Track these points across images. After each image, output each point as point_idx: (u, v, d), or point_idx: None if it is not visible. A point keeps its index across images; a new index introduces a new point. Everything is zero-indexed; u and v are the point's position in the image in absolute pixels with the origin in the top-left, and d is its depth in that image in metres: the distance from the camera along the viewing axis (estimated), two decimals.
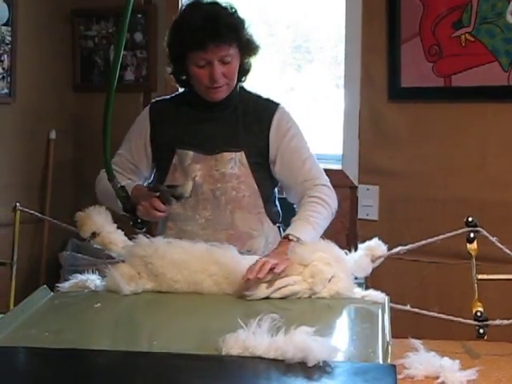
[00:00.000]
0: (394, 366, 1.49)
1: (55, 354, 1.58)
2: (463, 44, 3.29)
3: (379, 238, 2.18)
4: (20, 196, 3.59)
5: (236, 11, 2.38)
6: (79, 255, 3.91)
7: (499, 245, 2.02)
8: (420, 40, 3.37)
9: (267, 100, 2.49)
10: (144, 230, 2.33)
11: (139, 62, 4.06)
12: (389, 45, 3.44)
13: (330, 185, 2.41)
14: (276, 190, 2.54)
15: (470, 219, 2.03)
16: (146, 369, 1.48)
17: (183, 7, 2.41)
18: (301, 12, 3.88)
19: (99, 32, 4.15)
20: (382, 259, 2.15)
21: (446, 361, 1.77)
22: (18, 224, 2.51)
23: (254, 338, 1.54)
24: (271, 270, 2.00)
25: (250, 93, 2.50)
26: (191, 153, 2.39)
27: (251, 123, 2.41)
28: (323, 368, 1.45)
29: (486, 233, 2.02)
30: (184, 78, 2.44)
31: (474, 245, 2.01)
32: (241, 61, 2.39)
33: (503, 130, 3.29)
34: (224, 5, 2.36)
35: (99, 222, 2.26)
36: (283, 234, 2.26)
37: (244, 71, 2.44)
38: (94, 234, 2.26)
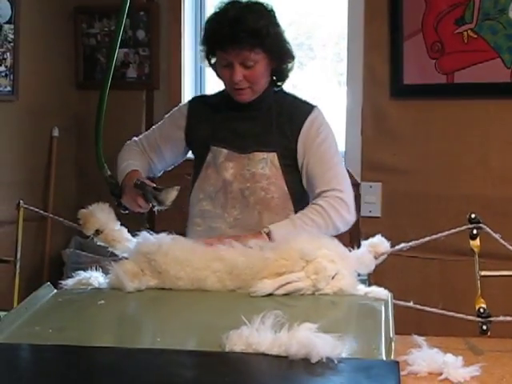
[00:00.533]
0: (397, 363, 1.49)
1: (59, 351, 1.58)
2: (466, 41, 3.30)
3: (382, 235, 2.18)
4: (23, 194, 3.59)
5: (268, 15, 2.34)
6: (82, 253, 3.91)
7: (502, 241, 2.02)
8: (422, 37, 3.37)
9: (303, 102, 2.46)
10: (127, 212, 2.40)
11: (142, 59, 4.07)
12: (391, 42, 3.44)
13: (344, 197, 2.31)
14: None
15: (472, 216, 2.03)
16: (149, 365, 1.48)
17: (221, 3, 2.37)
18: (303, 9, 3.88)
19: (102, 29, 4.15)
20: (385, 256, 2.15)
21: (449, 357, 1.77)
22: (21, 221, 2.51)
23: (257, 335, 1.54)
24: None
25: (286, 94, 2.48)
26: (225, 151, 2.40)
27: (284, 124, 2.39)
28: (326, 364, 1.45)
29: (488, 229, 2.02)
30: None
31: (477, 241, 2.01)
32: (273, 65, 2.37)
33: (506, 126, 3.29)
34: (258, 7, 2.33)
35: (103, 219, 2.26)
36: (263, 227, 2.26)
37: (279, 76, 2.43)
38: (97, 232, 2.26)
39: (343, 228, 2.32)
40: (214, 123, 2.45)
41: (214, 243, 2.11)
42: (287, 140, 2.38)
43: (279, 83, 2.46)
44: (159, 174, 2.62)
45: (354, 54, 3.57)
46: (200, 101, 2.55)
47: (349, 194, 2.33)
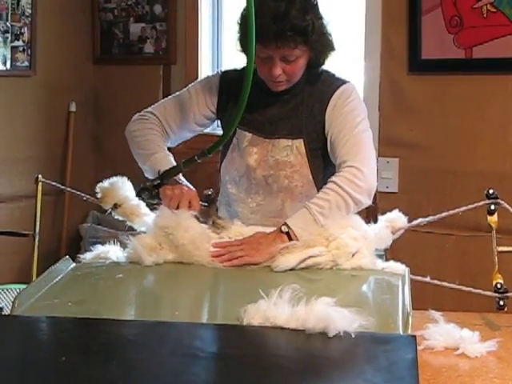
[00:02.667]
0: (414, 337, 1.49)
1: (78, 324, 1.59)
2: (484, 15, 3.27)
3: (399, 210, 2.18)
4: (41, 169, 3.61)
5: (312, 7, 2.22)
6: (100, 227, 3.94)
7: None
8: (441, 11, 3.34)
9: (335, 78, 2.34)
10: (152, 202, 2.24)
11: (159, 34, 4.06)
12: (409, 16, 3.42)
13: (360, 166, 2.14)
14: None
15: (490, 191, 2.02)
16: (168, 338, 1.49)
17: None
18: None
19: (118, 4, 4.15)
20: (402, 231, 2.15)
21: (466, 332, 1.77)
22: (40, 196, 2.53)
23: (275, 309, 1.55)
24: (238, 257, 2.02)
25: (321, 72, 2.36)
26: (250, 134, 2.33)
27: (313, 104, 2.30)
28: (344, 338, 1.46)
29: (506, 205, 2.01)
30: None
31: (495, 217, 2.01)
32: (311, 56, 2.26)
33: None
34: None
35: (121, 193, 2.27)
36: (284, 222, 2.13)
37: (315, 65, 2.32)
38: (115, 206, 2.26)
39: (364, 199, 2.14)
40: None
41: (221, 250, 2.06)
42: (315, 120, 2.29)
43: (314, 70, 2.34)
44: (174, 145, 2.50)
45: (371, 29, 3.54)
46: (230, 76, 2.41)
47: (367, 163, 2.18)
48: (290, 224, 2.09)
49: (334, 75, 2.37)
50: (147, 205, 2.26)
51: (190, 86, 2.47)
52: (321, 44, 2.26)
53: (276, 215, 2.30)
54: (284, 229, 2.08)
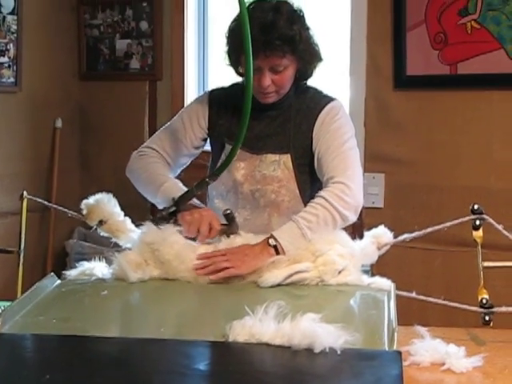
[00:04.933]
0: (399, 353, 1.50)
1: (63, 341, 1.59)
2: (469, 31, 3.29)
3: (385, 226, 2.18)
4: (26, 185, 3.60)
5: (299, 18, 2.26)
6: (86, 243, 3.93)
7: (505, 232, 2.02)
8: (425, 28, 3.36)
9: (323, 95, 2.38)
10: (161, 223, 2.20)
11: (145, 50, 4.07)
12: (394, 33, 3.44)
13: (348, 182, 2.16)
14: None
15: (475, 206, 2.03)
16: (153, 355, 1.48)
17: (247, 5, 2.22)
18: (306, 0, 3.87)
19: (104, 20, 4.15)
20: (387, 247, 2.15)
21: (452, 348, 1.77)
22: (25, 212, 2.51)
23: (260, 325, 1.55)
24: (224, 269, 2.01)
25: (308, 88, 2.40)
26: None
27: (301, 121, 2.32)
28: (330, 354, 1.46)
29: (491, 220, 2.01)
30: (241, 71, 2.35)
31: (480, 232, 2.01)
32: (299, 67, 2.29)
33: (509, 117, 3.29)
34: (287, 9, 2.23)
35: (106, 209, 2.26)
36: (270, 233, 2.12)
37: (304, 76, 2.35)
38: (101, 222, 2.26)
39: (351, 215, 2.16)
40: (231, 119, 2.37)
41: (206, 262, 2.05)
42: (303, 136, 2.31)
43: (302, 82, 2.38)
44: (175, 175, 2.48)
45: (356, 46, 3.56)
46: (219, 95, 2.44)
47: (355, 180, 2.19)
48: (277, 237, 2.08)
49: (321, 92, 2.39)
50: (122, 208, 2.25)
51: (180, 112, 2.49)
52: (308, 54, 2.29)
53: (263, 230, 2.28)
54: (271, 242, 2.07)
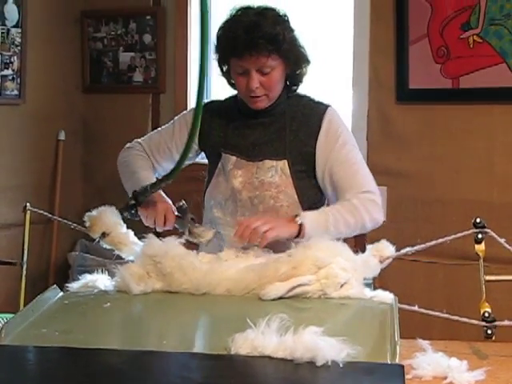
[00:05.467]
0: (401, 366, 1.49)
1: (65, 353, 1.58)
2: (471, 45, 3.30)
3: (387, 239, 2.18)
4: (29, 197, 3.59)
5: (283, 22, 2.31)
6: (88, 256, 3.93)
7: (507, 246, 2.02)
8: (428, 41, 3.38)
9: (316, 102, 2.42)
10: (135, 219, 2.33)
11: (148, 63, 4.08)
12: (397, 46, 3.45)
13: (376, 198, 2.31)
14: (325, 197, 2.45)
15: (477, 220, 2.03)
16: (155, 368, 1.48)
17: (232, 10, 2.34)
18: (309, 13, 3.89)
19: (108, 33, 4.17)
20: (390, 260, 2.15)
21: (454, 361, 1.76)
22: (28, 224, 2.52)
23: (262, 338, 1.55)
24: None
25: (300, 96, 2.44)
26: (234, 158, 2.38)
27: (298, 128, 2.36)
28: (332, 368, 1.46)
29: (493, 234, 2.02)
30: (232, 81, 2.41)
31: (482, 246, 2.01)
32: (288, 70, 2.34)
33: (511, 131, 3.29)
34: (271, 13, 2.30)
35: (109, 222, 2.27)
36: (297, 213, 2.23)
37: (293, 81, 2.40)
38: (103, 234, 2.26)
39: (371, 228, 2.33)
40: (226, 130, 2.42)
41: (246, 224, 2.12)
42: (302, 144, 2.35)
43: (294, 87, 2.42)
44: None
45: (359, 58, 3.57)
46: (213, 106, 2.50)
47: (379, 195, 2.33)
48: (306, 220, 2.17)
49: (314, 99, 2.44)
50: (125, 221, 2.31)
51: (175, 118, 2.55)
52: (294, 55, 2.33)
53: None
54: (298, 220, 2.17)
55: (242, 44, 2.23)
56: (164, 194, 2.37)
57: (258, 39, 2.22)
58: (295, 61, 2.34)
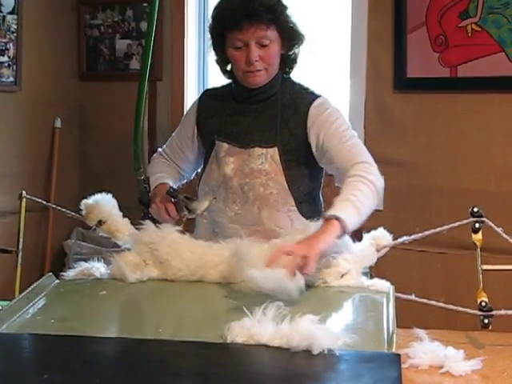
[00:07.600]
0: (398, 355, 1.49)
1: (61, 341, 1.58)
2: (469, 34, 3.29)
3: (384, 228, 2.18)
4: (25, 184, 3.59)
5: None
6: (84, 243, 3.92)
7: (504, 235, 2.02)
8: (426, 30, 3.37)
9: (309, 92, 2.40)
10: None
11: None
12: (395, 35, 3.44)
13: (371, 162, 2.24)
14: (319, 185, 2.45)
15: (475, 209, 2.03)
16: (151, 356, 1.48)
17: None
18: (306, 2, 3.87)
19: (105, 21, 4.15)
20: (386, 249, 2.16)
21: (451, 350, 1.77)
22: (23, 212, 2.51)
23: (259, 326, 1.55)
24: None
25: (294, 84, 2.43)
26: (226, 145, 2.38)
27: (289, 117, 2.35)
28: (328, 356, 1.46)
29: (490, 223, 2.02)
30: (228, 68, 2.41)
31: (479, 235, 2.01)
32: (283, 49, 2.34)
33: (509, 120, 3.29)
34: None
35: (106, 210, 2.26)
36: (322, 215, 2.07)
37: (288, 62, 2.39)
38: (100, 222, 2.25)
39: (380, 194, 2.21)
40: (221, 117, 2.42)
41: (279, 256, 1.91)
42: (290, 133, 2.34)
43: (288, 69, 2.41)
44: (192, 177, 2.61)
45: (357, 47, 3.56)
46: (210, 94, 2.52)
47: (373, 162, 2.26)
48: (331, 213, 2.02)
49: (307, 89, 2.42)
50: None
51: (183, 117, 2.62)
52: (290, 30, 2.33)
53: (254, 223, 2.33)
54: (328, 216, 2.01)
55: (242, 13, 2.22)
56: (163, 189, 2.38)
57: (257, 7, 2.22)
58: (291, 36, 2.34)
